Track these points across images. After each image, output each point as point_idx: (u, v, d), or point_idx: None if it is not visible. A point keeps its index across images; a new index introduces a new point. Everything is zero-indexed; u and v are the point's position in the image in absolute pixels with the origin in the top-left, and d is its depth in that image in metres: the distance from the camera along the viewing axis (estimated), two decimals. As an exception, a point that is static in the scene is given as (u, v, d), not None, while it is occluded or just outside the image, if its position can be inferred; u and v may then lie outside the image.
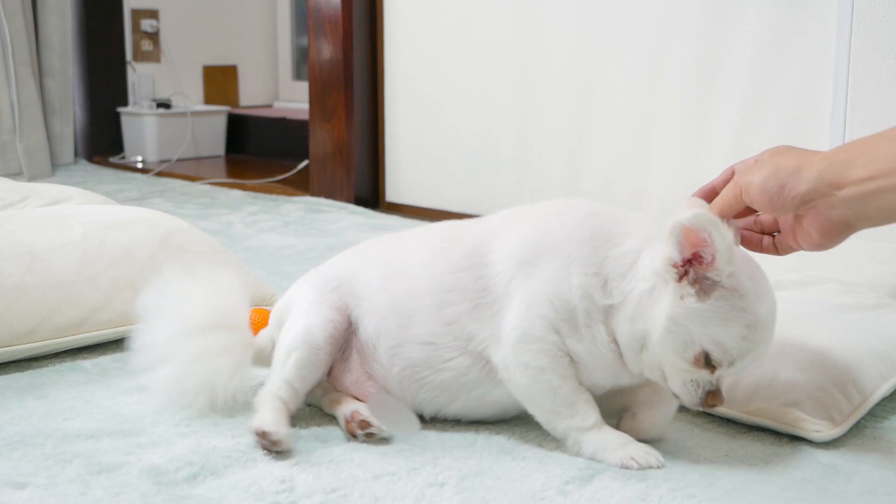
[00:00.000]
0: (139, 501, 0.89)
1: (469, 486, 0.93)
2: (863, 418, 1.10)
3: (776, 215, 0.99)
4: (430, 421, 1.08)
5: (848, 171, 0.87)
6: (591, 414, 0.99)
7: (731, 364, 0.94)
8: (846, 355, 1.08)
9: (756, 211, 1.00)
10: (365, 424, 1.03)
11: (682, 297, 0.93)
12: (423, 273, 1.07)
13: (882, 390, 1.12)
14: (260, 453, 1.00)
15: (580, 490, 0.92)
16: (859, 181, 0.87)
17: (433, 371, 1.05)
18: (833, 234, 0.92)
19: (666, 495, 0.91)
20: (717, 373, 0.95)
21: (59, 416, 1.11)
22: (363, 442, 1.03)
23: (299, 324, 1.08)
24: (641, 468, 0.96)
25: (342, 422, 1.06)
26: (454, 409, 1.07)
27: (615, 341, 0.98)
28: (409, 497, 0.91)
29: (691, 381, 0.95)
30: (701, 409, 0.97)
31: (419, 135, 2.67)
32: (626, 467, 0.97)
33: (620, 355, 0.99)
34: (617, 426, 1.02)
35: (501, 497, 0.90)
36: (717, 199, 0.99)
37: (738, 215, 1.00)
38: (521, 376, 1.00)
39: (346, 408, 1.06)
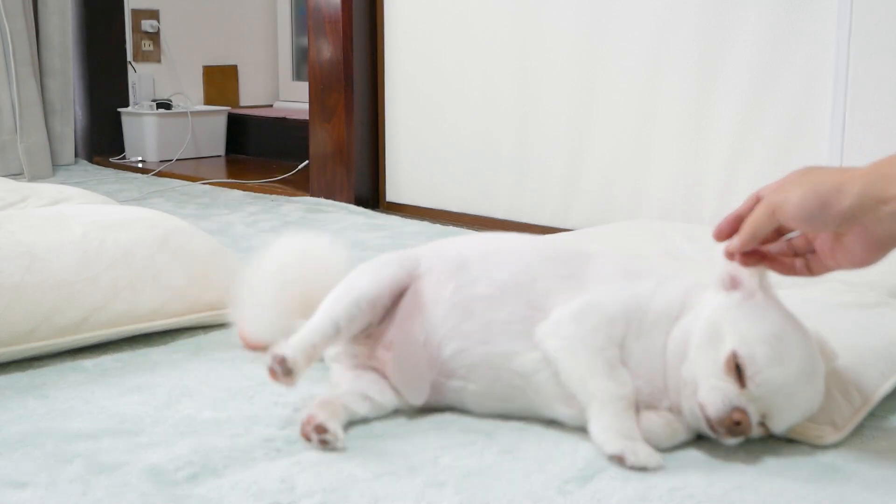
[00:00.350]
0: (139, 501, 0.89)
1: (469, 485, 0.93)
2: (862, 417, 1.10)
3: (813, 233, 0.97)
4: (427, 414, 1.09)
5: (893, 186, 0.85)
6: (628, 383, 0.99)
7: (757, 382, 0.94)
8: (847, 355, 1.08)
9: (784, 233, 0.99)
10: (321, 429, 0.99)
11: (729, 294, 0.99)
12: (529, 242, 1.16)
13: (883, 390, 1.12)
14: (260, 453, 1.00)
15: (580, 490, 0.92)
16: None
17: (491, 308, 1.06)
18: (879, 249, 0.91)
19: (665, 495, 0.91)
20: (747, 393, 0.94)
21: (60, 415, 1.11)
22: (317, 447, 0.99)
23: (366, 275, 1.11)
24: (636, 465, 0.95)
25: (300, 424, 1.02)
26: (478, 354, 1.06)
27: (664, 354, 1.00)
28: (409, 496, 0.91)
29: (720, 389, 0.95)
30: (724, 430, 0.95)
31: (419, 135, 2.67)
32: (622, 458, 0.95)
33: (665, 371, 1.00)
34: None
35: (501, 496, 0.91)
36: (747, 221, 0.96)
37: (768, 239, 0.99)
38: (570, 329, 1.01)
39: (304, 411, 1.03)
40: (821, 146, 1.89)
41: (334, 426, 1.00)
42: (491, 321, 1.06)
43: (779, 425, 0.98)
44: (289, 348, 1.02)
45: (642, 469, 0.95)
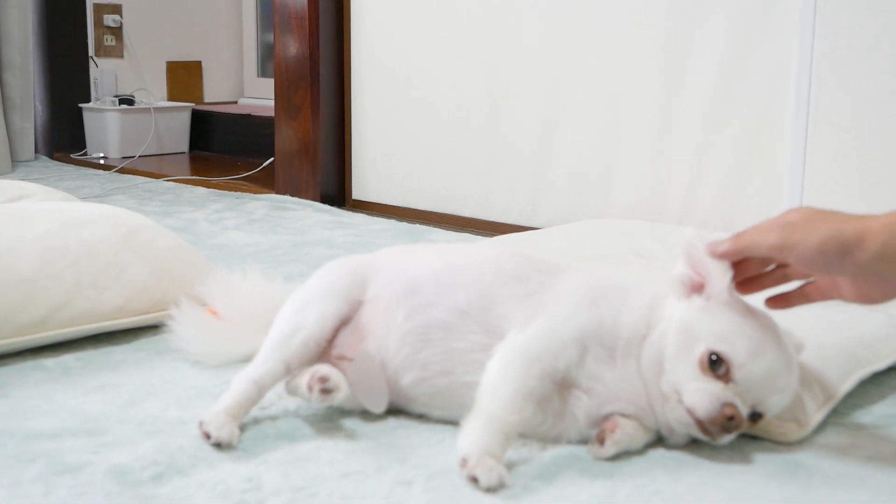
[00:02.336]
0: (104, 501, 0.88)
1: (437, 484, 0.93)
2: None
3: (819, 275, 0.98)
4: (395, 413, 1.08)
5: None
6: (518, 414, 0.95)
7: (743, 374, 0.94)
8: (811, 353, 1.09)
9: (768, 264, 1.00)
10: (324, 379, 1.02)
11: (690, 300, 1.00)
12: (487, 258, 1.12)
13: (845, 387, 1.13)
14: (227, 452, 0.99)
15: (547, 487, 0.93)
16: None
17: (449, 335, 1.05)
18: (889, 295, 0.93)
19: (632, 492, 0.92)
20: (733, 387, 0.95)
21: (22, 415, 1.09)
22: (317, 399, 1.02)
23: (313, 313, 1.09)
24: (471, 474, 0.91)
25: (305, 382, 1.04)
26: (439, 385, 1.05)
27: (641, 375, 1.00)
28: (377, 495, 0.91)
29: (705, 390, 0.95)
30: (717, 428, 0.95)
31: (386, 132, 2.67)
32: (465, 461, 0.92)
33: (646, 390, 1.00)
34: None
35: (469, 495, 0.90)
36: (747, 236, 0.97)
37: (749, 264, 1.00)
38: (513, 359, 0.98)
39: (312, 367, 1.05)
40: (784, 146, 1.91)
41: (337, 376, 1.03)
42: (451, 350, 1.05)
43: (768, 413, 0.99)
44: (214, 423, 1.00)
45: (473, 481, 0.91)
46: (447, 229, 2.40)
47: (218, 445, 0.99)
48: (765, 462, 0.99)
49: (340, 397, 1.03)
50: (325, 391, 1.02)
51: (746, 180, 1.98)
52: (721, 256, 0.99)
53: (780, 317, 1.02)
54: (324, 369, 1.04)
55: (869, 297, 0.94)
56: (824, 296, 1.00)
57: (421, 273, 1.10)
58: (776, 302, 1.03)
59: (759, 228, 0.96)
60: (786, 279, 1.02)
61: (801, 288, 1.01)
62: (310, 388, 1.03)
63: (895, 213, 0.88)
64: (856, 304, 0.97)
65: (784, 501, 0.91)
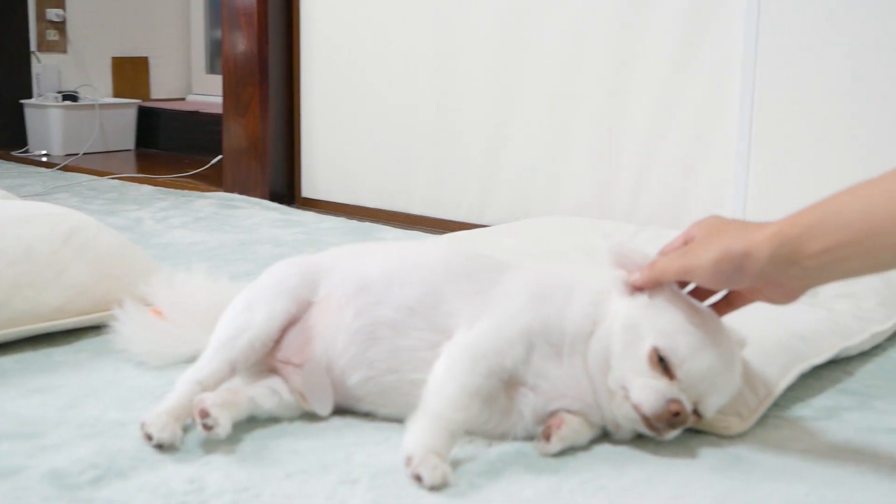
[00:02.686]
0: (40, 506, 0.87)
1: (382, 482, 0.92)
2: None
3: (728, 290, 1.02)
4: (341, 413, 1.08)
5: (802, 247, 0.88)
6: (463, 412, 0.95)
7: (685, 370, 0.95)
8: (752, 347, 1.10)
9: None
10: (204, 413, 0.98)
11: (633, 297, 1.01)
12: (435, 255, 1.11)
13: (785, 381, 1.15)
14: (168, 453, 0.97)
15: (492, 484, 0.93)
16: (815, 255, 0.88)
17: (397, 333, 1.04)
18: (794, 296, 0.96)
19: (577, 487, 0.92)
20: (677, 384, 0.96)
21: (-44, 419, 1.06)
22: (203, 432, 0.98)
23: (260, 311, 1.08)
24: (415, 473, 0.90)
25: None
26: (386, 383, 1.04)
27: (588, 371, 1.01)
28: (320, 495, 0.90)
29: (651, 386, 0.96)
30: (663, 424, 0.96)
31: (336, 130, 2.65)
32: (410, 459, 0.91)
33: (593, 387, 1.00)
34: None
35: (413, 493, 0.90)
36: (658, 266, 1.00)
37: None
38: (460, 356, 0.98)
39: (197, 396, 1.01)
40: (729, 144, 1.94)
41: (218, 413, 0.98)
42: (398, 348, 1.04)
43: (710, 409, 1.00)
44: (156, 424, 0.98)
45: (417, 479, 0.90)
46: (397, 227, 2.39)
47: (160, 447, 0.98)
48: (708, 456, 1.00)
49: (221, 434, 0.98)
50: (206, 427, 0.98)
51: (692, 177, 2.00)
52: (636, 288, 1.01)
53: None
54: (207, 401, 0.99)
55: (775, 300, 0.97)
56: (746, 301, 1.02)
57: (370, 272, 1.09)
58: (719, 308, 1.04)
59: (668, 256, 0.99)
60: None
61: (725, 297, 1.04)
62: (192, 419, 0.99)
63: (781, 222, 0.91)
64: (774, 304, 0.99)
65: (727, 494, 0.92)
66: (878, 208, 0.85)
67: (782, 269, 0.90)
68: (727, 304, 1.03)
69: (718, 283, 0.97)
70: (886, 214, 0.84)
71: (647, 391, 0.96)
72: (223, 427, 0.98)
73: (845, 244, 0.87)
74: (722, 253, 0.93)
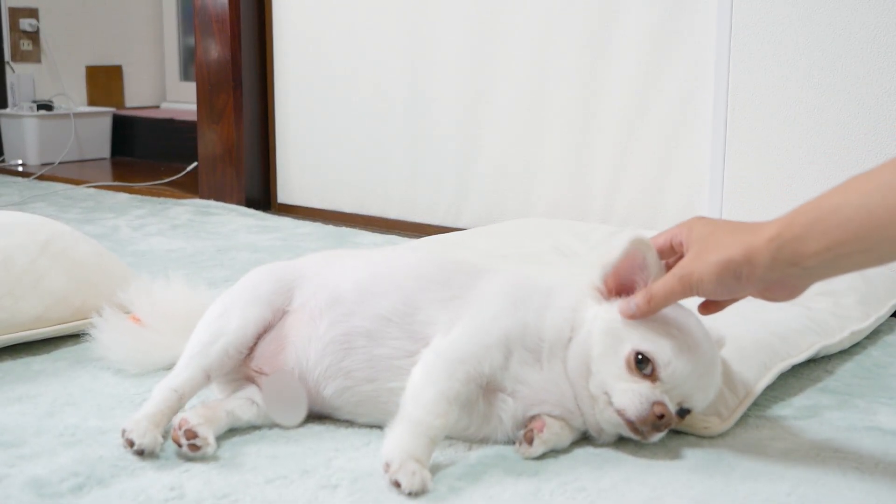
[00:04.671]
0: (20, 515, 0.86)
1: (362, 486, 0.92)
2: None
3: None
4: (321, 418, 1.08)
5: (801, 247, 0.89)
6: (442, 418, 0.95)
7: (669, 372, 0.96)
8: (731, 347, 1.11)
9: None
10: (191, 434, 0.97)
11: (609, 302, 1.00)
12: (409, 263, 1.11)
13: (765, 381, 1.16)
14: (149, 461, 0.97)
15: (472, 487, 0.93)
16: (816, 254, 0.88)
17: (373, 343, 1.04)
18: (795, 294, 0.95)
19: (557, 489, 0.93)
20: (660, 385, 0.96)
21: (-67, 429, 1.06)
22: (186, 453, 0.97)
23: (235, 317, 1.07)
24: (394, 478, 0.90)
25: (172, 430, 0.99)
26: (363, 392, 1.04)
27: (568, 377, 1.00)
28: (301, 500, 0.90)
29: (634, 391, 0.96)
30: (648, 427, 0.96)
31: (310, 135, 2.65)
32: (388, 465, 0.91)
33: (574, 392, 1.00)
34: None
35: (394, 498, 0.90)
36: (659, 291, 0.97)
37: None
38: (436, 363, 0.98)
39: (177, 415, 1.00)
40: (704, 143, 1.95)
41: (205, 431, 0.97)
42: (374, 357, 1.04)
43: (696, 409, 1.00)
44: (136, 431, 0.97)
45: (396, 485, 0.90)
46: (373, 231, 2.39)
47: (141, 453, 0.97)
48: (688, 456, 1.01)
49: (209, 452, 0.98)
50: (194, 447, 0.97)
51: (667, 177, 2.01)
52: (634, 318, 0.99)
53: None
54: (192, 421, 0.98)
55: (776, 299, 0.97)
56: (736, 299, 1.01)
57: (344, 282, 1.09)
58: (706, 307, 1.04)
59: (663, 281, 0.97)
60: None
61: None
62: (176, 441, 0.97)
63: (777, 223, 0.91)
64: (774, 302, 0.99)
65: (707, 495, 0.92)
66: (875, 203, 0.85)
67: (783, 271, 0.90)
68: (714, 303, 1.03)
69: (721, 295, 0.97)
70: (884, 208, 0.84)
71: (630, 395, 0.96)
72: (212, 447, 0.98)
73: (845, 241, 0.87)
74: (723, 266, 0.92)
